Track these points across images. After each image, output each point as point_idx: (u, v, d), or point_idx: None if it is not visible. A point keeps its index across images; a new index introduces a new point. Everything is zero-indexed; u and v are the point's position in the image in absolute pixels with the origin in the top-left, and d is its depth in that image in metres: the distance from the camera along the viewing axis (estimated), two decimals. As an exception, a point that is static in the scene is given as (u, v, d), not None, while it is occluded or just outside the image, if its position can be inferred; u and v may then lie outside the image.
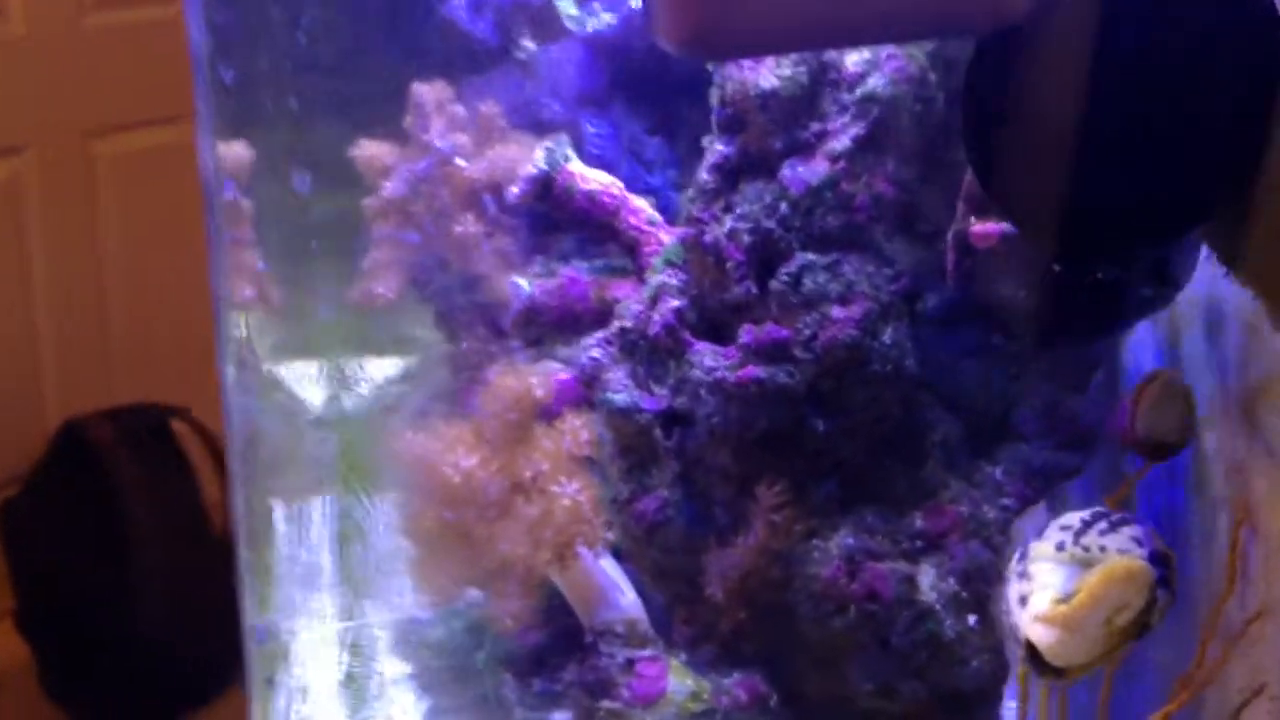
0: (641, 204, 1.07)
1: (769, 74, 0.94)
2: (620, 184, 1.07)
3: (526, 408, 0.92)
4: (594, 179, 1.06)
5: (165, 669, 2.66)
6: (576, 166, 1.05)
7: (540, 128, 1.23)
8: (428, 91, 1.20)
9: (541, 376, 0.96)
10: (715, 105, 0.98)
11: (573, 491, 0.90)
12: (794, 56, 0.93)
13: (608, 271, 1.16)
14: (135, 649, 2.64)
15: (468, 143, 1.21)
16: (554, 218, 1.13)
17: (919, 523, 0.97)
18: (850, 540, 0.96)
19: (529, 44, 1.26)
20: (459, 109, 1.20)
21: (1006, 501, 0.98)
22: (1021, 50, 0.76)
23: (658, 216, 1.07)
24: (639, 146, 1.21)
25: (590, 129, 1.21)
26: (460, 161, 1.20)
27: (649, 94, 1.21)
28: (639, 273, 1.06)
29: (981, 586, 0.96)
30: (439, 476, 0.90)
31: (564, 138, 1.06)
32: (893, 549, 0.96)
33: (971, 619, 0.96)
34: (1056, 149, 0.76)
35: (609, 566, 0.97)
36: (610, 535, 0.93)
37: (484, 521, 0.90)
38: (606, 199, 1.06)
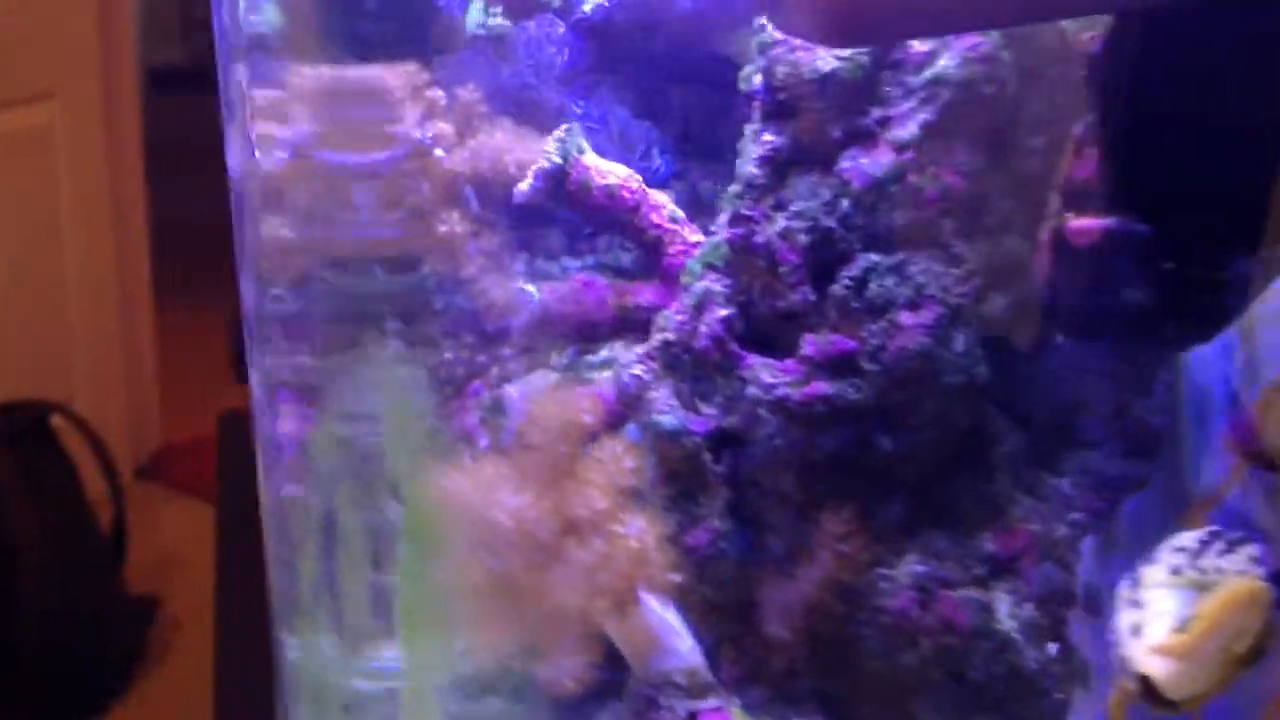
0: (662, 199, 0.95)
1: (826, 54, 0.82)
2: (639, 177, 0.94)
3: (576, 438, 0.79)
4: (611, 172, 0.93)
5: (55, 674, 2.51)
6: (591, 159, 0.92)
7: (521, 113, 1.10)
8: (398, 75, 1.06)
9: (590, 400, 0.83)
10: (759, 90, 0.86)
11: (637, 531, 0.77)
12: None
13: (599, 269, 1.04)
14: (20, 654, 2.48)
15: (449, 132, 1.07)
16: (540, 213, 1.00)
17: (989, 545, 0.86)
18: (920, 567, 0.85)
19: (500, 20, 1.13)
20: (438, 94, 1.06)
21: (1076, 516, 0.88)
22: (1174, 28, 0.65)
23: (680, 212, 0.95)
24: (627, 133, 1.09)
25: (576, 112, 1.09)
26: (439, 153, 1.07)
27: (632, 75, 1.10)
28: (663, 275, 0.93)
29: (1059, 611, 0.86)
30: (485, 520, 0.76)
31: (576, 127, 0.93)
32: (964, 575, 0.85)
33: (1052, 647, 0.85)
34: (1223, 136, 0.65)
35: (664, 609, 0.84)
36: (676, 577, 0.81)
37: (532, 569, 0.77)
38: (626, 194, 0.93)
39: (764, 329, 0.87)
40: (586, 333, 0.95)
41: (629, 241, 0.96)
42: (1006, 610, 0.86)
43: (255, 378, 0.93)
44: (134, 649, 2.79)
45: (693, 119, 1.10)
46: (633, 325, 0.94)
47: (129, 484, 3.08)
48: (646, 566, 0.78)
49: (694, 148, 1.07)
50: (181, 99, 4.18)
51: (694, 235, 0.93)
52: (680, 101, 1.09)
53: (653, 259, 0.95)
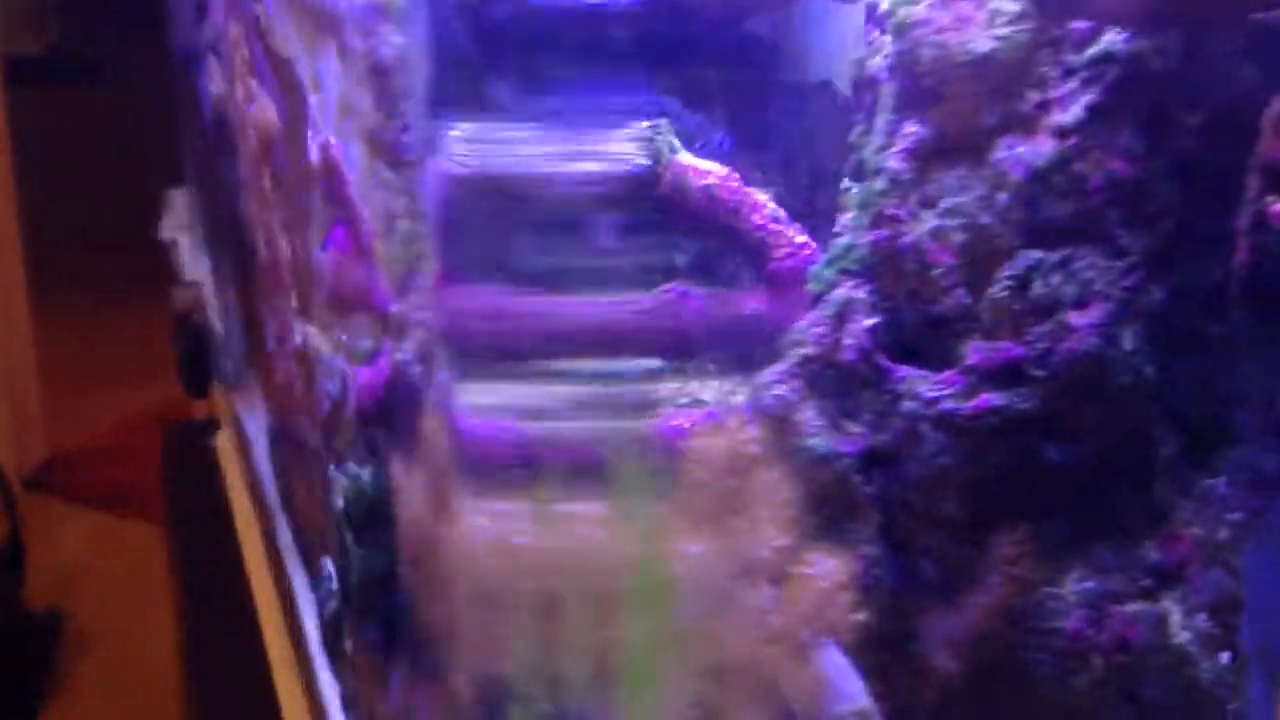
0: (762, 197, 0.83)
1: (982, 34, 0.72)
2: (736, 174, 0.83)
3: (743, 470, 0.68)
4: (710, 171, 0.82)
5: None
6: (687, 158, 0.81)
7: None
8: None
9: (754, 427, 0.72)
10: (886, 75, 0.75)
11: (826, 571, 0.67)
12: (1014, 10, 0.71)
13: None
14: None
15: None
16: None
17: (1153, 554, 0.77)
18: (1089, 583, 0.76)
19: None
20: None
21: (1234, 516, 0.79)
22: None
23: (781, 211, 0.84)
24: (680, 125, 0.98)
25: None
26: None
27: (672, 61, 0.99)
28: (769, 280, 0.83)
29: (1230, 619, 0.78)
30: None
31: (665, 123, 0.81)
32: (1130, 587, 0.77)
33: (1225, 656, 0.77)
34: None
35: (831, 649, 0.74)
36: (863, 618, 0.71)
37: (704, 618, 0.66)
38: (725, 195, 0.82)
39: (908, 337, 0.77)
40: (682, 349, 0.84)
41: (725, 245, 0.85)
42: (1179, 621, 0.78)
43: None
44: (42, 664, 2.63)
45: (735, 106, 0.99)
46: (736, 338, 0.83)
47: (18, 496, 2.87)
48: (837, 609, 0.68)
49: (739, 136, 0.97)
50: (40, 92, 3.92)
51: (800, 236, 0.83)
52: (721, 87, 0.99)
53: (755, 264, 0.84)
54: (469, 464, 0.75)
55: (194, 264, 1.87)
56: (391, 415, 0.91)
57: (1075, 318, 0.74)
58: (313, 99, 0.96)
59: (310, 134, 0.96)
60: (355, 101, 0.88)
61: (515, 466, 0.74)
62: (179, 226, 1.94)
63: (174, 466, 1.74)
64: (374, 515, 0.97)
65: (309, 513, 1.20)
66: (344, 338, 0.97)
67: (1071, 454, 0.77)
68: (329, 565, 1.13)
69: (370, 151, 0.89)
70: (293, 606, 1.27)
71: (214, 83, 1.38)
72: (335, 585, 1.12)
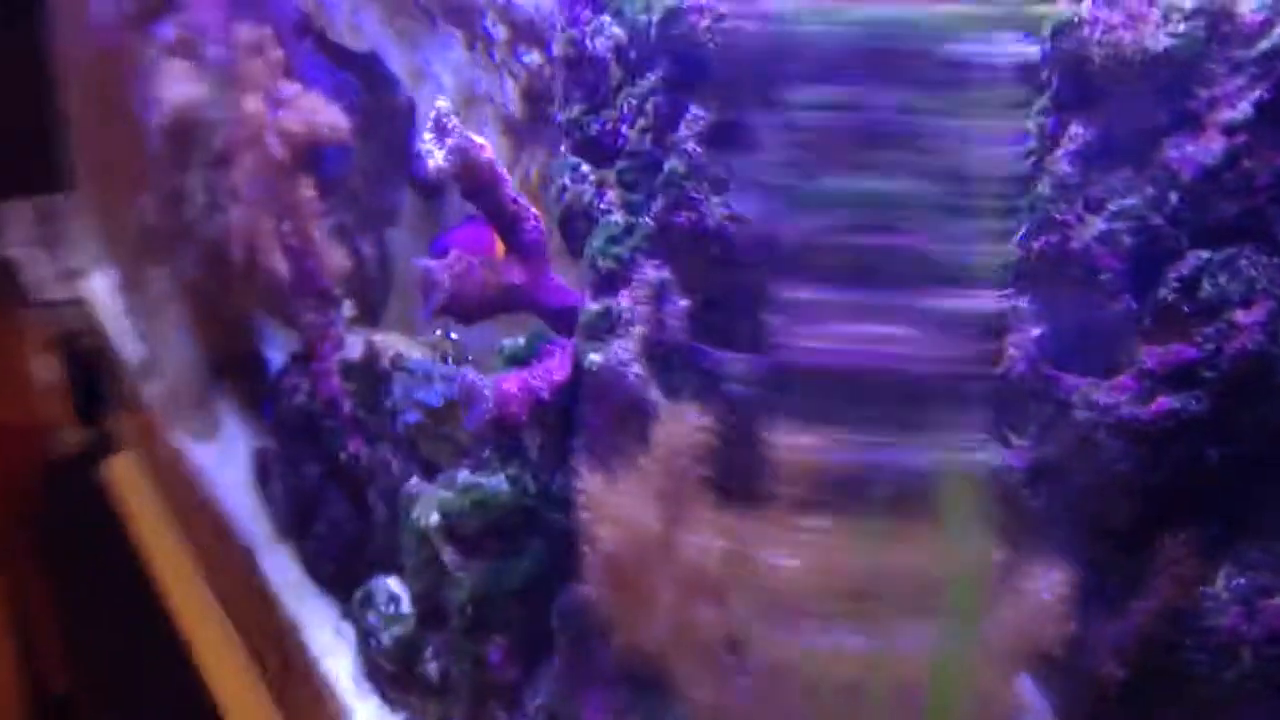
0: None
1: (1157, 32, 0.68)
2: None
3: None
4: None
5: None
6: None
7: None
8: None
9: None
10: (1047, 75, 0.71)
11: (1051, 583, 0.63)
12: (1189, 7, 0.68)
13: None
14: None
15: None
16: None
17: (1293, 546, 0.76)
18: (1240, 580, 0.74)
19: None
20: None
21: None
22: None
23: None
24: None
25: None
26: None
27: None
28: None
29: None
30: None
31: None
32: (1275, 581, 0.75)
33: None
34: None
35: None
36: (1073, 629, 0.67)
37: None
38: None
39: (1068, 345, 0.73)
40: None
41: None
42: (1325, 612, 0.76)
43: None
44: None
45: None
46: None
47: None
48: (1053, 622, 0.64)
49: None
50: None
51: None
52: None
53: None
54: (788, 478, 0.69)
55: (60, 283, 1.68)
56: (568, 418, 0.83)
57: (1242, 316, 0.71)
58: (417, 94, 0.86)
59: (418, 133, 0.86)
60: (486, 91, 0.80)
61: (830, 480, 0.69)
62: (25, 242, 1.74)
63: (65, 507, 1.56)
64: (511, 524, 0.88)
65: (354, 534, 1.09)
66: (459, 340, 0.88)
67: (1231, 453, 0.74)
68: (389, 587, 1.03)
69: (516, 142, 0.81)
70: (277, 644, 1.15)
71: (173, 89, 1.22)
72: (404, 608, 1.02)
